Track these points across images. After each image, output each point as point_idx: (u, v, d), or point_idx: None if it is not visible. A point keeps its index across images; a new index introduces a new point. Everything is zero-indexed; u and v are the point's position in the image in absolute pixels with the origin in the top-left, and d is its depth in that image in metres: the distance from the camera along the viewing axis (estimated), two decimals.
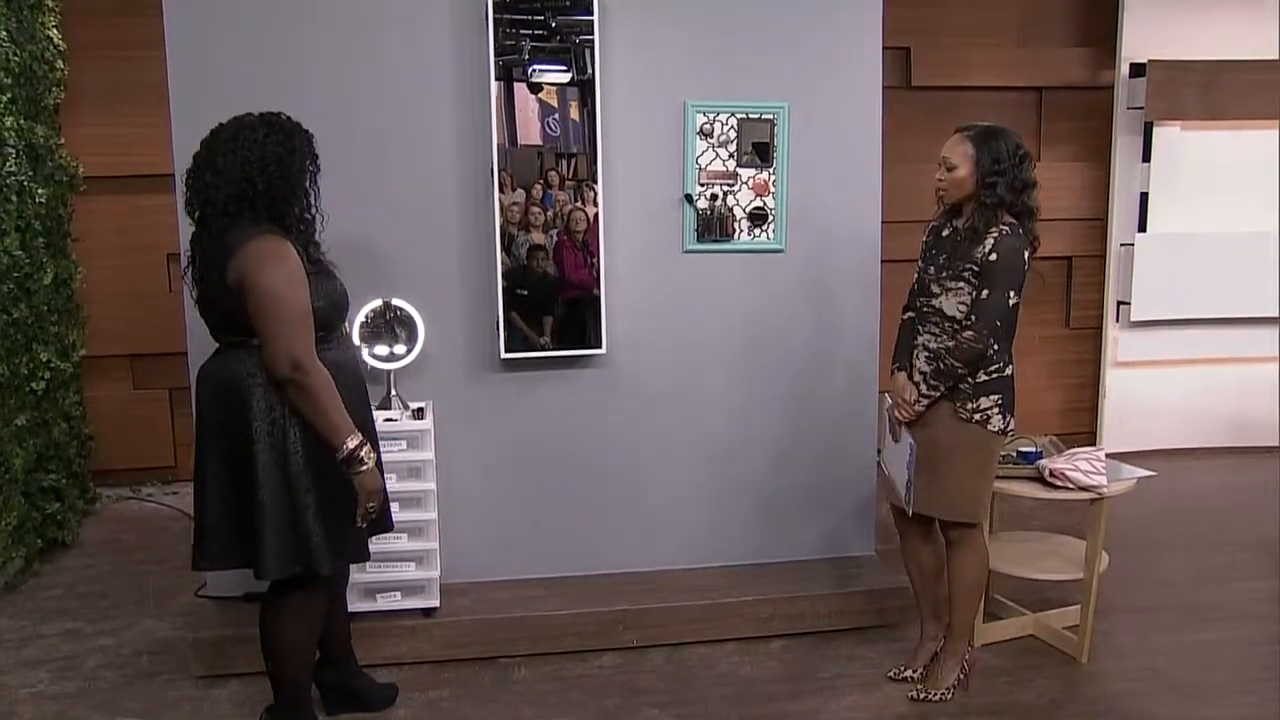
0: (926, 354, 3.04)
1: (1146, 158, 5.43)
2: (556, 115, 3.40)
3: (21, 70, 4.02)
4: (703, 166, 3.55)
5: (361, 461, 2.53)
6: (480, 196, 3.44)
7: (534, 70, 3.35)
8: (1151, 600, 3.84)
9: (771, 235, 3.63)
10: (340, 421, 2.52)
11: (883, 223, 3.74)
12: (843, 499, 3.83)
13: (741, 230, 3.61)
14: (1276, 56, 5.33)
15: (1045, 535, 3.77)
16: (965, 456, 3.01)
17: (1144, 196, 5.46)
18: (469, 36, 3.37)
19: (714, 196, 3.58)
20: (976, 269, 2.91)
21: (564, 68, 3.37)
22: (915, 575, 3.29)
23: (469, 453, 3.55)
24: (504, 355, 3.47)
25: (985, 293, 2.90)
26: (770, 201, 3.61)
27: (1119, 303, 5.57)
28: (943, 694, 3.14)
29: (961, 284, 2.94)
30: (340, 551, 2.63)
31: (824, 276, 3.70)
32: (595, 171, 3.42)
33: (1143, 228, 5.47)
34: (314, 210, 2.65)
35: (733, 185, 3.58)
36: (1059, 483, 3.26)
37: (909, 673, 3.26)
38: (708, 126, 3.54)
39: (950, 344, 2.96)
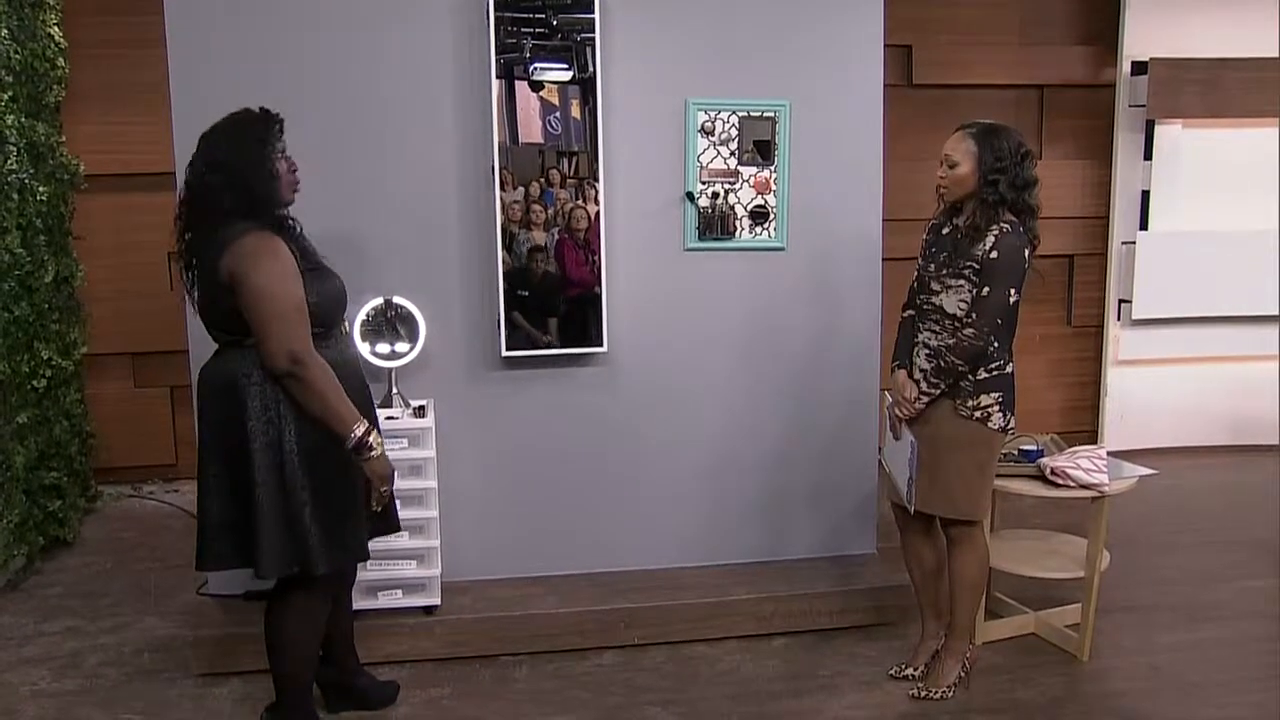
0: (927, 352, 3.03)
1: (1148, 156, 5.43)
2: (558, 113, 3.39)
3: (22, 68, 4.02)
4: (704, 164, 3.55)
5: (370, 448, 2.54)
6: (481, 195, 3.44)
7: (535, 68, 3.35)
8: (1152, 598, 3.84)
9: (773, 233, 3.63)
10: (345, 410, 2.53)
11: (884, 221, 3.74)
12: (843, 497, 3.84)
13: (743, 228, 3.61)
14: (1278, 55, 5.32)
15: (1046, 533, 3.77)
16: (966, 454, 3.01)
17: (1145, 195, 5.46)
18: (470, 35, 3.37)
19: (715, 195, 3.58)
20: (977, 267, 2.90)
21: (565, 66, 3.37)
22: (916, 573, 3.29)
23: (470, 451, 3.55)
24: (505, 353, 3.47)
25: (986, 290, 2.90)
26: (771, 199, 3.61)
27: (1120, 301, 5.57)
28: (944, 692, 3.14)
29: (962, 282, 2.94)
30: (339, 551, 2.63)
31: (825, 274, 3.70)
32: (596, 170, 3.42)
33: (1144, 226, 5.47)
34: (282, 178, 2.59)
35: (734, 183, 3.58)
36: (1060, 481, 3.26)
37: (910, 671, 3.26)
38: (709, 124, 3.54)
39: (951, 341, 2.96)
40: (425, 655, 3.34)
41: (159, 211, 4.56)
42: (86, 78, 4.74)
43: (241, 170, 2.51)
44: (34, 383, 4.08)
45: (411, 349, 3.38)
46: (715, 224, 3.59)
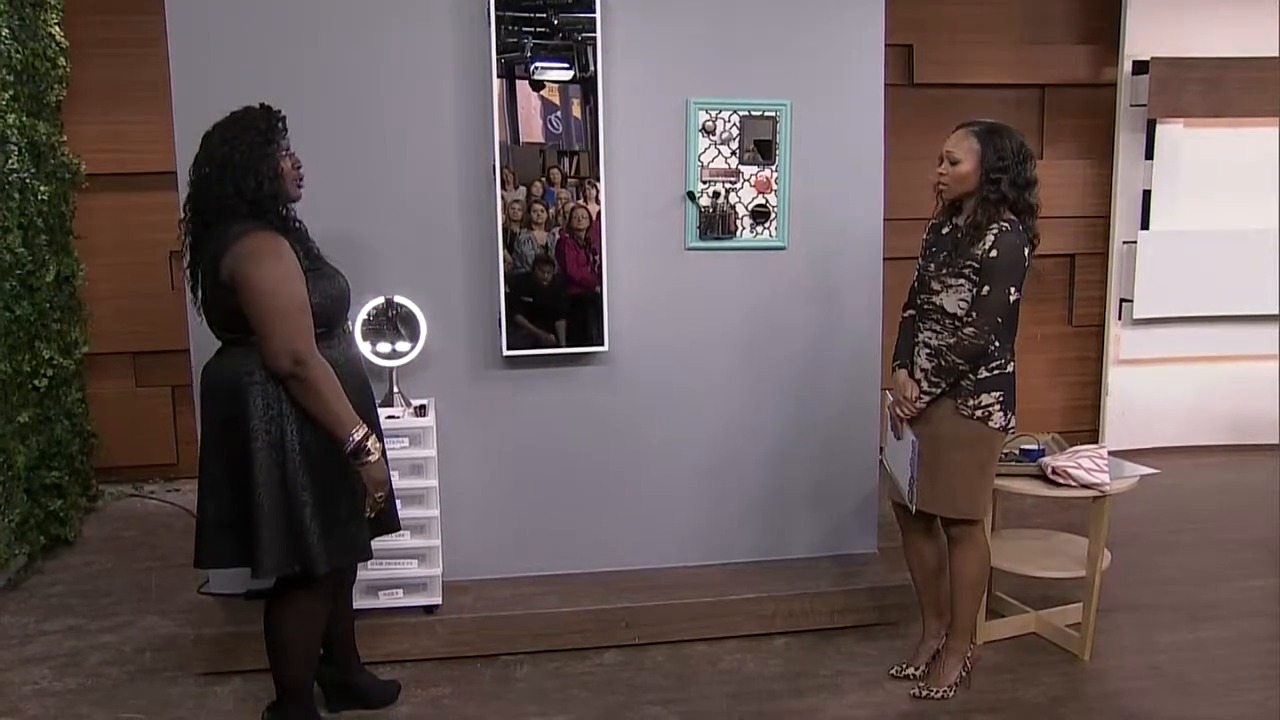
0: (928, 351, 3.03)
1: (1149, 155, 5.42)
2: (559, 113, 3.40)
3: (24, 67, 4.02)
4: (705, 164, 3.55)
5: (368, 453, 2.54)
6: (482, 194, 3.44)
7: (536, 68, 3.35)
8: (1153, 598, 3.84)
9: (773, 233, 3.63)
10: (344, 413, 2.53)
11: (885, 220, 3.74)
12: (844, 496, 3.83)
13: (743, 228, 3.61)
14: (1279, 54, 5.32)
15: (1047, 533, 3.77)
16: (966, 453, 3.01)
17: (1146, 194, 5.46)
18: (471, 34, 3.37)
19: (716, 194, 3.58)
20: (977, 266, 2.90)
21: (566, 65, 3.37)
22: (917, 573, 3.29)
23: (471, 450, 3.56)
24: (506, 352, 3.47)
25: (986, 289, 2.90)
26: (772, 199, 3.61)
27: (1121, 300, 5.57)
28: (945, 692, 3.14)
29: (962, 281, 2.94)
30: (340, 551, 2.63)
31: (826, 274, 3.70)
32: (597, 169, 3.42)
33: (1145, 225, 5.47)
34: (285, 176, 2.58)
35: (735, 183, 3.58)
36: (1061, 480, 3.26)
37: (911, 670, 3.26)
38: (710, 124, 3.54)
39: (951, 341, 2.96)
40: (426, 654, 3.34)
41: (160, 211, 4.60)
42: (88, 77, 4.74)
43: (243, 169, 2.50)
44: (35, 382, 4.08)
45: (412, 348, 3.38)
46: (716, 223, 3.59)
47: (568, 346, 3.52)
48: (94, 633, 3.59)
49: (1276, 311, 5.52)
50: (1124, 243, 5.53)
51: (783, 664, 3.37)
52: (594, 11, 3.34)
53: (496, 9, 3.29)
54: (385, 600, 3.35)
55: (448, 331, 3.48)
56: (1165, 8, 5.31)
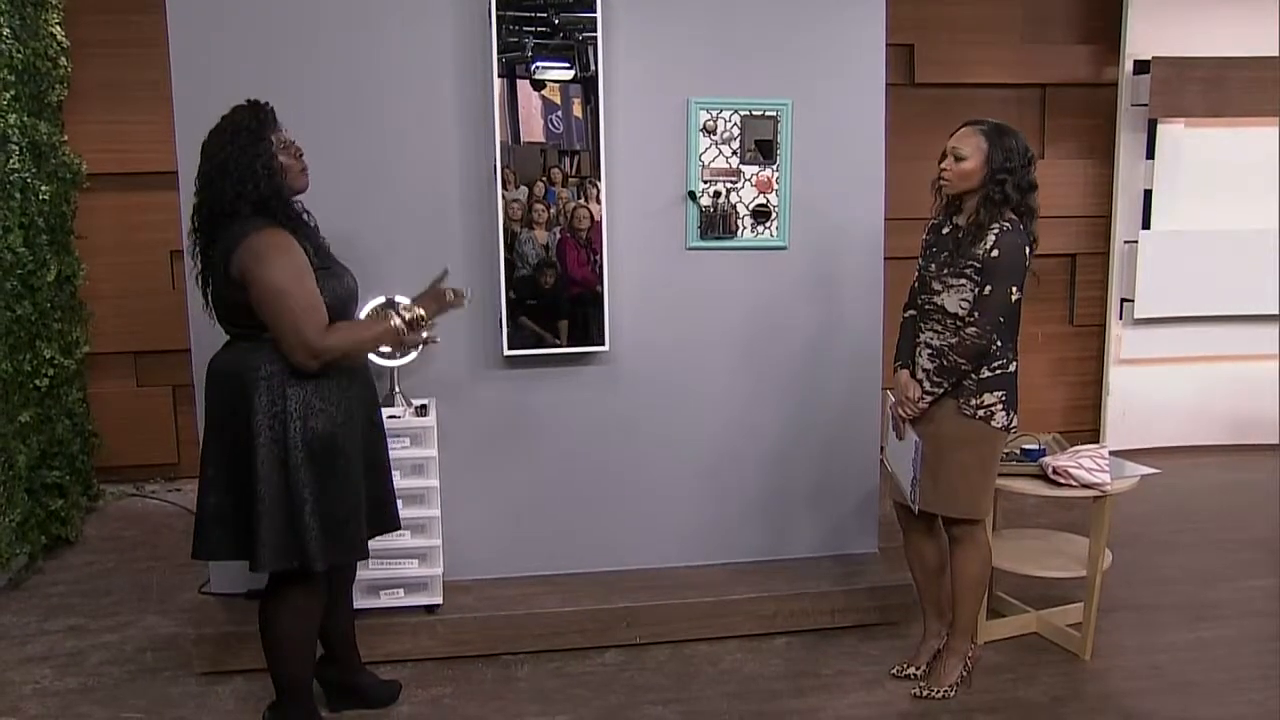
0: (929, 351, 3.03)
1: (1150, 155, 5.42)
2: (559, 112, 3.40)
3: (25, 67, 4.02)
4: (706, 164, 3.55)
5: (417, 321, 2.65)
6: (483, 193, 3.44)
7: (537, 67, 3.35)
8: (1154, 598, 3.84)
9: (774, 232, 3.63)
10: (378, 332, 2.64)
11: (885, 219, 3.74)
12: (845, 496, 3.83)
13: (744, 227, 3.61)
14: (1279, 54, 5.33)
15: (1048, 533, 3.77)
16: (968, 453, 3.01)
17: (1147, 194, 5.46)
18: (472, 33, 3.37)
19: (717, 194, 3.58)
20: (978, 265, 2.90)
21: (567, 65, 3.37)
22: (918, 572, 3.29)
23: (472, 450, 3.55)
24: (507, 352, 3.47)
25: (988, 289, 2.90)
26: (773, 198, 3.61)
27: (1122, 300, 5.56)
28: (945, 691, 3.14)
29: (963, 281, 2.94)
30: (339, 548, 2.63)
31: (827, 273, 3.70)
32: (598, 169, 3.42)
33: (1146, 225, 5.47)
34: (285, 169, 2.59)
35: (736, 182, 3.58)
36: (1062, 480, 3.26)
37: (912, 670, 3.26)
38: (711, 123, 3.54)
39: (953, 340, 2.96)
40: (427, 654, 3.34)
41: (161, 210, 4.60)
42: (88, 77, 4.74)
43: (239, 171, 2.51)
44: (36, 382, 4.08)
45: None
46: (717, 223, 3.59)
47: (569, 346, 3.52)
48: (95, 632, 3.59)
49: (1277, 311, 5.51)
50: (1125, 242, 5.52)
51: (783, 664, 3.37)
52: (595, 11, 3.34)
53: (497, 8, 3.29)
54: (386, 600, 3.35)
55: (448, 331, 3.47)
56: (1166, 7, 5.31)
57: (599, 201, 3.45)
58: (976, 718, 3.05)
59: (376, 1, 3.34)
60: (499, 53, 3.32)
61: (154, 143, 4.62)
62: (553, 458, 3.63)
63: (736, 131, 3.55)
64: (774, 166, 3.59)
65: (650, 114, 3.51)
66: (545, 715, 3.07)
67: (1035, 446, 3.42)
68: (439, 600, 3.38)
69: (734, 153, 3.56)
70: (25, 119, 3.98)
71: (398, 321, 2.60)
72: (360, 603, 3.24)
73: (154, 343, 5.03)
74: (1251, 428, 5.72)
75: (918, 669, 3.25)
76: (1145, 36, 5.31)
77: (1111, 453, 3.36)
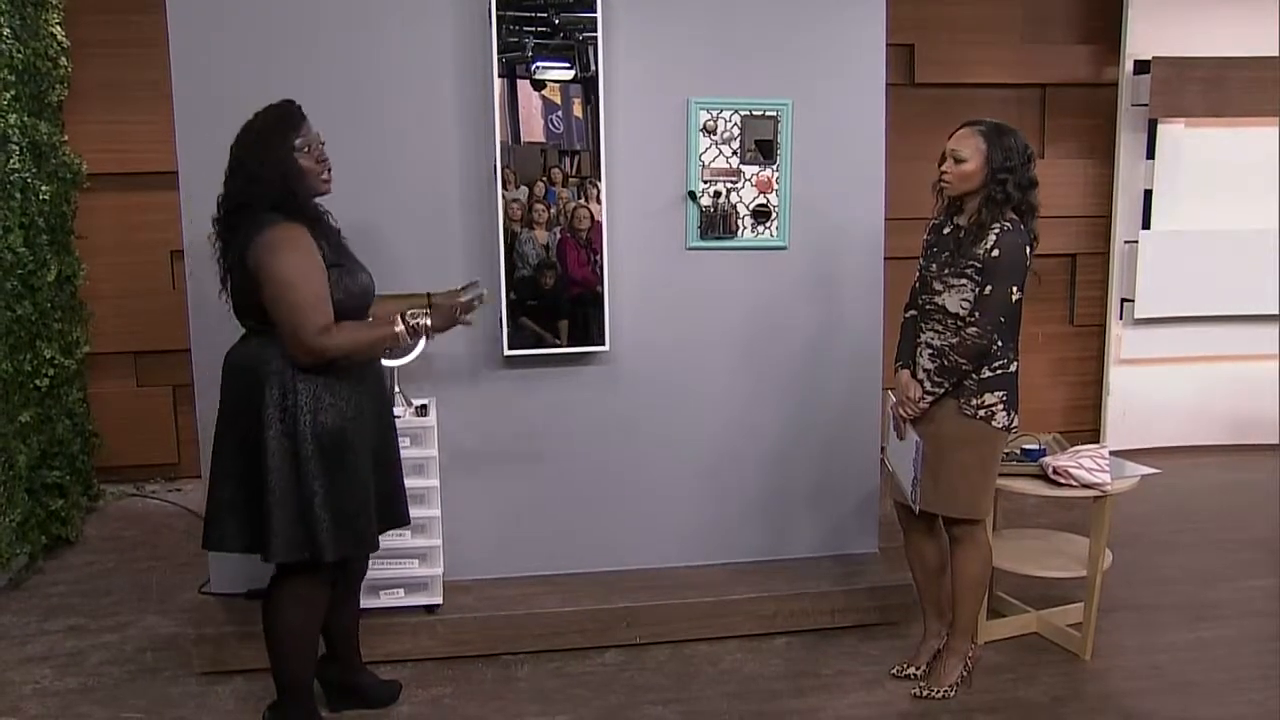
0: (930, 351, 3.03)
1: (1150, 155, 5.43)
2: (560, 112, 3.40)
3: (25, 67, 4.02)
4: (706, 164, 3.55)
5: (421, 330, 2.64)
6: (483, 193, 3.44)
7: (537, 67, 3.35)
8: (1154, 598, 3.84)
9: (775, 232, 3.63)
10: (379, 335, 2.63)
11: (886, 219, 3.73)
12: (846, 496, 3.83)
13: (745, 227, 3.61)
14: (1279, 54, 5.33)
15: (1048, 533, 3.77)
16: (969, 453, 3.01)
17: (1148, 194, 5.46)
18: (472, 33, 3.37)
19: (717, 194, 3.58)
20: (979, 265, 2.90)
21: (567, 65, 3.37)
22: (918, 572, 3.29)
23: (472, 450, 3.55)
24: (507, 352, 3.47)
25: (988, 289, 2.90)
26: (773, 198, 3.61)
27: (1123, 300, 5.56)
28: (945, 691, 3.14)
29: (964, 281, 2.94)
30: (349, 540, 2.65)
31: (827, 273, 3.70)
32: (598, 169, 3.42)
33: (1146, 225, 5.47)
34: (305, 172, 2.63)
35: (736, 182, 3.58)
36: (1062, 480, 3.26)
37: (912, 670, 3.26)
38: (711, 123, 3.54)
39: (954, 340, 2.96)
40: (427, 654, 3.34)
41: (161, 210, 4.60)
42: (89, 77, 4.74)
43: (258, 171, 2.56)
44: (36, 382, 4.08)
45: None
46: (717, 223, 3.59)
47: (569, 346, 3.52)
48: (95, 632, 3.59)
49: (1277, 311, 5.51)
50: (1125, 242, 5.52)
51: (783, 664, 3.37)
52: (595, 11, 3.34)
53: (498, 8, 3.29)
54: (386, 600, 3.35)
55: (449, 331, 3.47)
56: (1166, 7, 5.31)
57: (599, 201, 3.45)
58: (976, 718, 3.05)
59: (376, 1, 3.34)
60: (499, 53, 3.32)
61: (154, 143, 4.62)
62: (552, 457, 3.63)
63: (736, 131, 3.55)
64: (774, 166, 3.58)
65: (650, 114, 3.51)
66: (545, 715, 3.07)
67: (1035, 446, 3.42)
68: (439, 600, 3.38)
69: (734, 153, 3.56)
70: (25, 119, 3.98)
71: (400, 328, 2.62)
72: (361, 602, 3.23)
73: (154, 343, 5.03)
74: (1251, 428, 5.72)
75: (918, 669, 3.25)
76: (1145, 36, 5.31)
77: (1111, 453, 3.36)
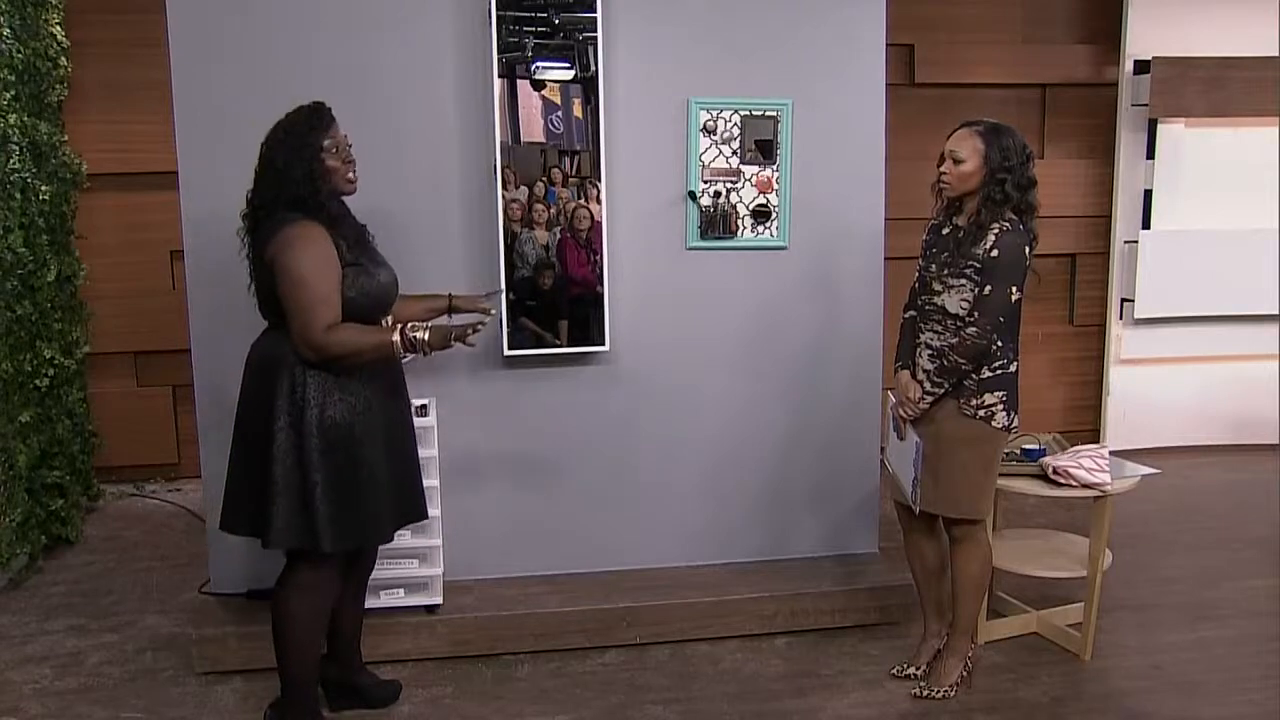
0: (930, 352, 3.03)
1: (1150, 155, 5.43)
2: (560, 112, 3.39)
3: (25, 67, 4.02)
4: (706, 164, 3.55)
5: (416, 344, 2.64)
6: (483, 193, 3.44)
7: (537, 67, 3.35)
8: (1154, 598, 3.84)
9: (775, 232, 3.63)
10: (377, 342, 2.64)
11: (886, 219, 3.73)
12: (846, 496, 3.83)
13: (745, 227, 3.61)
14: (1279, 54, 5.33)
15: (1048, 533, 3.77)
16: (969, 453, 3.01)
17: (1148, 194, 5.46)
18: (472, 34, 3.37)
19: (717, 194, 3.58)
20: (978, 265, 2.90)
21: (567, 65, 3.37)
22: (918, 572, 3.29)
23: (472, 450, 3.56)
24: (507, 352, 3.47)
25: (988, 289, 2.90)
26: (773, 198, 3.61)
27: (1123, 300, 5.56)
28: (946, 691, 3.14)
29: (964, 281, 2.94)
30: (349, 532, 2.68)
31: (827, 273, 3.70)
32: (598, 169, 3.42)
33: (1146, 225, 5.47)
34: (330, 172, 2.67)
35: (736, 182, 3.58)
36: (1062, 480, 3.26)
37: (912, 670, 3.26)
38: (711, 123, 3.54)
39: (953, 341, 2.96)
40: (427, 654, 3.34)
41: (161, 210, 4.60)
42: (89, 76, 4.74)
43: (284, 170, 2.62)
44: (36, 382, 4.08)
45: None
46: (717, 223, 3.59)
47: (569, 346, 3.52)
48: (95, 632, 3.59)
49: (1277, 311, 5.51)
50: (1125, 242, 5.52)
51: (784, 664, 3.37)
52: (595, 11, 3.34)
53: (498, 8, 3.29)
54: (386, 600, 3.35)
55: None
56: (1166, 7, 5.31)
57: (599, 201, 3.45)
58: (976, 718, 3.05)
59: (376, 1, 3.34)
60: (499, 53, 3.32)
61: (154, 143, 4.63)
62: (552, 458, 3.63)
63: (736, 131, 3.55)
64: (774, 166, 3.59)
65: (650, 114, 3.51)
66: (545, 715, 3.07)
67: (1035, 446, 3.42)
68: (439, 600, 3.38)
69: (734, 153, 3.56)
70: (25, 119, 3.99)
71: (396, 338, 2.64)
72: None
73: (154, 343, 5.03)
74: (1252, 428, 5.72)
75: (918, 669, 3.25)
76: (1145, 36, 5.31)
77: (1112, 453, 3.36)
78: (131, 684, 3.25)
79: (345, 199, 2.77)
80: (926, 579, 3.28)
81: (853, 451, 3.80)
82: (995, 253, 2.88)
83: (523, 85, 3.36)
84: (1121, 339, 5.61)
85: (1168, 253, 5.44)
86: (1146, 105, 5.30)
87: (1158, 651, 3.44)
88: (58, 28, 4.37)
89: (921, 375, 3.04)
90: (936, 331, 3.02)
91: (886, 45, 3.65)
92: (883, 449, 3.40)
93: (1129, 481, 3.34)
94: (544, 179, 3.41)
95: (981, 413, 2.97)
